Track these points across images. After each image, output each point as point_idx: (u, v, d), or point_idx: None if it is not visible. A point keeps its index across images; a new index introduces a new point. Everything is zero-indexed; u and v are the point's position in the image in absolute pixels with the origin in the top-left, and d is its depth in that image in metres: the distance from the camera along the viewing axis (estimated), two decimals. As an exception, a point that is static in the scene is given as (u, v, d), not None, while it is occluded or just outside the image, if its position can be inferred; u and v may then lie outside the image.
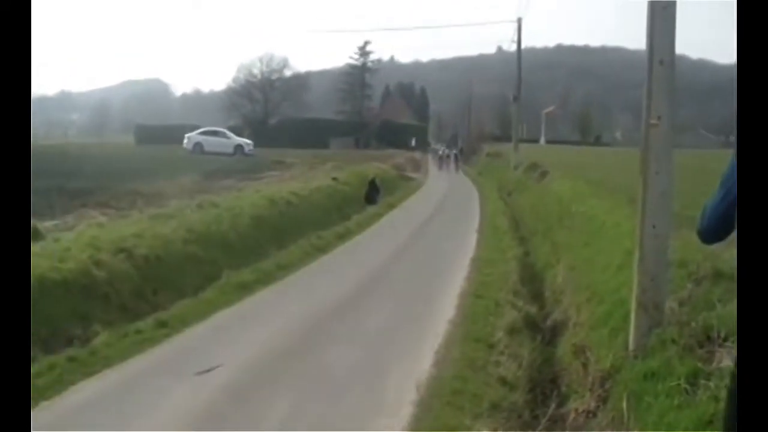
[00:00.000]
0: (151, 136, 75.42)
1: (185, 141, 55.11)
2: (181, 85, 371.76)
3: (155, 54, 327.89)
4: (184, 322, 10.87)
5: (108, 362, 8.86)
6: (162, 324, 10.58)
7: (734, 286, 7.10)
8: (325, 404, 7.73)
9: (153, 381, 8.34)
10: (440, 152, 75.95)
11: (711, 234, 4.19)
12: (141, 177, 28.69)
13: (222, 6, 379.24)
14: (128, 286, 11.65)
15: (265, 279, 14.08)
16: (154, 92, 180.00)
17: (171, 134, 65.29)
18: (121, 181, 26.93)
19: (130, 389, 8.13)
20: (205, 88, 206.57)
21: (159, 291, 12.16)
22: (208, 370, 8.62)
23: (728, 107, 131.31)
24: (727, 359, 5.60)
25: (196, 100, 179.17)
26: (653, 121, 7.41)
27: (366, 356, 9.48)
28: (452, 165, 66.76)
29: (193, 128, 60.73)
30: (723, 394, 4.99)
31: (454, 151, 74.39)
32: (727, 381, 3.74)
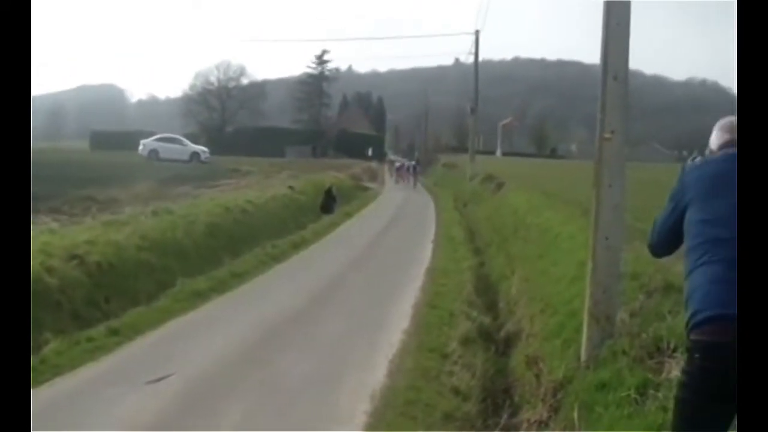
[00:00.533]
0: (106, 142, 74.77)
1: (141, 147, 54.58)
2: (137, 91, 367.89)
3: (111, 59, 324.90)
4: (137, 330, 10.77)
5: (58, 370, 8.76)
6: (114, 332, 10.47)
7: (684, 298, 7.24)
8: (278, 413, 7.70)
9: (104, 389, 8.24)
10: (397, 164, 64.97)
11: (661, 248, 4.29)
12: (95, 183, 28.40)
13: (179, 13, 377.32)
14: (80, 294, 11.51)
15: (220, 287, 13.99)
16: (110, 98, 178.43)
17: (126, 140, 64.73)
18: (74, 187, 26.59)
19: (81, 398, 8.03)
20: (162, 95, 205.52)
21: (111, 298, 12.03)
22: (160, 379, 8.54)
23: (681, 122, 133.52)
24: (675, 370, 5.68)
25: (152, 106, 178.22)
26: (607, 135, 7.50)
27: (320, 365, 9.45)
28: (410, 178, 56.18)
29: (148, 135, 60.22)
30: (672, 404, 5.07)
31: (413, 163, 62.82)
32: (675, 391, 3.80)
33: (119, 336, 10.38)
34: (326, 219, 27.48)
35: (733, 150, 3.85)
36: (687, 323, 3.60)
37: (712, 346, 3.40)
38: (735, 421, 3.36)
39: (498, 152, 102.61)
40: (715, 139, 4.16)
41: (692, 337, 3.53)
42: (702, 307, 3.48)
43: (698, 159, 4.13)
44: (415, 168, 57.87)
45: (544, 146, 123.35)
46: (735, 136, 3.96)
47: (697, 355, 3.48)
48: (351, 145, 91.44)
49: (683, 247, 3.90)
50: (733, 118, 4.12)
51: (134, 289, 12.75)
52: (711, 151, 4.17)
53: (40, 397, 7.89)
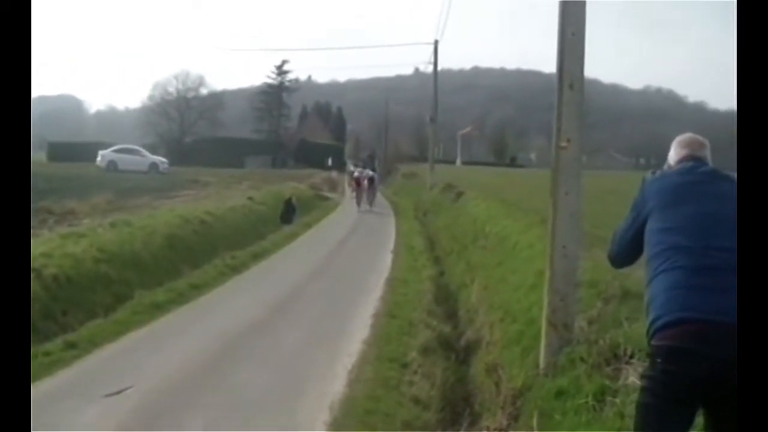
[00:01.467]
0: (64, 153, 73.71)
1: (99, 158, 54.17)
2: (95, 102, 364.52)
3: (68, 69, 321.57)
4: (95, 343, 10.66)
5: (14, 384, 8.63)
6: (71, 345, 10.36)
7: (641, 305, 7.30)
8: (237, 426, 7.66)
9: (61, 403, 8.16)
10: (355, 173, 49.44)
11: (621, 258, 4.38)
12: (52, 195, 28.12)
13: (137, 22, 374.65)
14: (36, 307, 11.32)
15: (178, 299, 13.90)
16: (67, 109, 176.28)
17: (84, 151, 63.85)
18: (31, 199, 26.33)
19: (38, 412, 7.90)
20: (120, 106, 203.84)
21: (68, 311, 11.90)
22: (118, 392, 8.47)
23: (639, 130, 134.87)
24: (633, 376, 5.73)
25: (111, 117, 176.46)
26: (563, 144, 7.57)
27: (279, 377, 9.43)
28: (367, 191, 43.52)
29: (107, 146, 59.66)
30: (629, 410, 5.11)
31: (371, 173, 49.24)
32: (637, 396, 3.85)
33: (76, 349, 10.27)
34: (286, 229, 27.39)
35: (691, 163, 3.98)
36: (648, 329, 3.67)
37: (673, 351, 3.47)
38: (695, 423, 3.45)
39: (458, 161, 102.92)
40: (674, 155, 4.27)
41: (654, 342, 3.60)
42: (663, 312, 3.56)
43: (658, 172, 4.22)
44: (373, 179, 46.09)
45: (503, 155, 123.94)
46: (692, 151, 4.10)
47: (659, 360, 3.55)
48: (311, 155, 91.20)
49: (644, 256, 3.97)
50: (690, 135, 4.28)
51: (92, 302, 12.61)
52: (669, 166, 4.27)
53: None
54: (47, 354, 9.90)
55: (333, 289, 15.94)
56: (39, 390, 8.60)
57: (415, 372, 9.56)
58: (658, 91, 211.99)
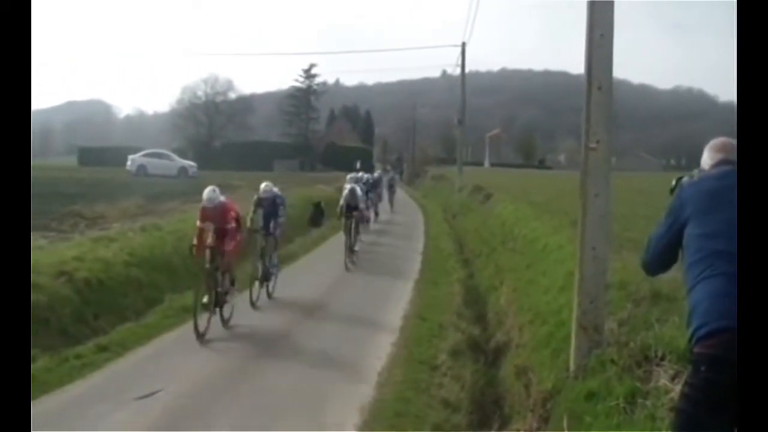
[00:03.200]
0: (94, 157, 74.54)
1: (129, 163, 54.47)
2: (124, 107, 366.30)
3: (98, 74, 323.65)
4: (125, 346, 10.75)
5: (47, 387, 8.71)
6: (103, 348, 10.45)
7: (671, 306, 7.25)
8: (266, 427, 7.69)
9: (92, 406, 8.22)
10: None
11: (656, 265, 4.31)
12: (83, 199, 28.30)
13: (166, 27, 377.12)
14: (68, 310, 11.46)
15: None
16: (98, 113, 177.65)
17: (114, 156, 64.47)
18: (62, 203, 26.52)
19: (69, 415, 8.00)
20: (149, 110, 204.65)
21: (100, 315, 12.00)
22: (149, 395, 8.53)
23: (668, 131, 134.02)
24: (664, 378, 5.70)
25: (140, 121, 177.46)
26: (592, 146, 7.54)
27: (310, 378, 9.45)
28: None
29: (136, 150, 59.96)
30: (660, 412, 5.08)
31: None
32: (664, 399, 3.81)
33: (108, 352, 10.36)
34: (314, 232, 27.40)
35: (727, 168, 3.92)
36: (691, 337, 3.61)
37: (716, 359, 3.42)
38: None
39: (486, 163, 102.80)
40: (708, 159, 4.19)
41: (697, 350, 3.54)
42: (706, 321, 3.51)
43: (695, 176, 4.14)
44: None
45: (531, 157, 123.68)
46: (727, 155, 4.03)
47: (702, 368, 3.49)
48: (339, 159, 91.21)
49: (683, 263, 3.92)
50: (724, 139, 4.20)
51: (123, 306, 12.72)
52: (703, 171, 4.20)
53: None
54: (79, 357, 9.99)
55: (362, 292, 15.95)
56: (71, 393, 8.72)
57: (445, 374, 9.55)
58: (689, 91, 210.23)
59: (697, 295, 3.65)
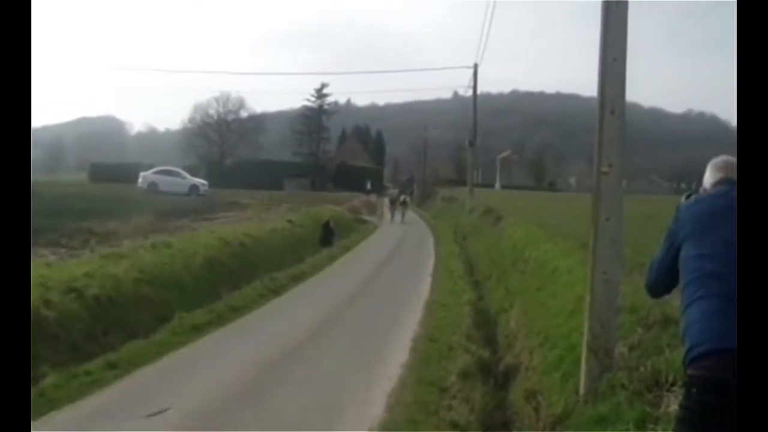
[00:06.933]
0: (105, 174, 74.56)
1: (140, 180, 54.72)
2: (136, 123, 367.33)
3: (110, 91, 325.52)
4: (135, 363, 10.75)
5: (55, 404, 8.73)
6: (112, 365, 10.46)
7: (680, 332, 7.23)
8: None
9: (101, 423, 8.23)
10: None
11: (659, 287, 4.31)
12: (94, 216, 28.43)
13: (179, 45, 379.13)
14: (78, 327, 11.49)
15: (218, 321, 13.98)
16: (109, 130, 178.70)
17: (126, 173, 64.57)
18: (73, 219, 26.63)
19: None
20: (161, 127, 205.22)
21: (110, 332, 12.02)
22: (158, 413, 8.52)
23: (680, 155, 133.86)
24: (674, 404, 5.67)
25: (151, 138, 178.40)
26: (604, 169, 7.53)
27: (319, 399, 9.43)
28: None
29: (147, 167, 60.26)
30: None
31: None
32: (673, 426, 3.80)
33: (117, 369, 10.37)
34: (325, 252, 27.45)
35: (726, 187, 3.91)
36: (684, 358, 3.61)
37: (709, 381, 3.40)
38: None
39: (497, 185, 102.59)
40: (709, 178, 4.20)
41: (689, 371, 3.54)
42: (699, 342, 3.49)
43: (692, 197, 4.15)
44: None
45: (542, 179, 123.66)
46: (728, 174, 4.03)
47: (694, 390, 3.48)
48: (350, 178, 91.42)
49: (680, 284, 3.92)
50: (726, 157, 4.20)
51: (132, 323, 12.73)
52: (704, 190, 4.21)
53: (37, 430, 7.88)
54: (88, 373, 10.00)
55: (372, 312, 15.95)
56: (80, 410, 8.71)
57: (454, 396, 9.52)
58: (701, 116, 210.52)
59: (690, 316, 3.65)
